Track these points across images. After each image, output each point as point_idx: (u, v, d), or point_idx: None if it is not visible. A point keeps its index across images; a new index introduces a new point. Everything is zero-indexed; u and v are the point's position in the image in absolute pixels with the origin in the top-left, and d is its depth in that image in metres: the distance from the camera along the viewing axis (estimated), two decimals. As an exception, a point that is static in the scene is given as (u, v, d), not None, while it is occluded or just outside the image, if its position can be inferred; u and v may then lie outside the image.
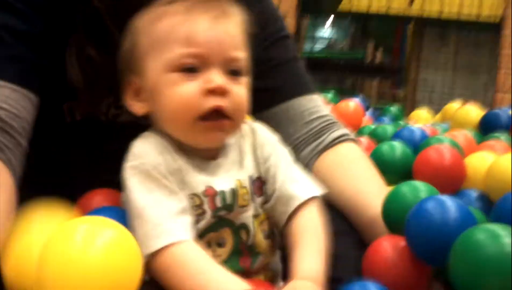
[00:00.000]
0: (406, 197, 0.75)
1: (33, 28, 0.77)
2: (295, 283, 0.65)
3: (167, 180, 0.65)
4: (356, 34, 6.70)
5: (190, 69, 0.66)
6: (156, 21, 0.68)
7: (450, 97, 4.01)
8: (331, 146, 0.93)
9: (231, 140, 0.74)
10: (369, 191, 0.86)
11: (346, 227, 0.84)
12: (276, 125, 0.93)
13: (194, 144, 0.69)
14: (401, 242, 0.70)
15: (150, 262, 0.61)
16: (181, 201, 0.65)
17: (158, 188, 0.65)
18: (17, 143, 0.72)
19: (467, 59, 4.08)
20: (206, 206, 0.68)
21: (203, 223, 0.68)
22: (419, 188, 0.76)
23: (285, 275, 0.74)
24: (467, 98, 3.94)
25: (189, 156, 0.69)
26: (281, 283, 0.76)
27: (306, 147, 0.94)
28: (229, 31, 0.68)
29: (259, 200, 0.73)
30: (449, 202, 0.66)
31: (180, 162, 0.68)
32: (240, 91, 0.68)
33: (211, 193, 0.68)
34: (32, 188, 0.75)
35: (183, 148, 0.69)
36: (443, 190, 0.95)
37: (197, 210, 0.67)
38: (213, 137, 0.68)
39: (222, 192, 0.69)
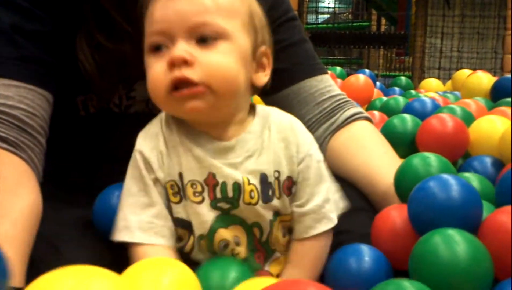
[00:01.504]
0: (417, 169, 0.75)
1: (42, 27, 0.78)
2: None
3: (146, 170, 0.68)
4: (358, 4, 6.64)
5: (158, 48, 0.66)
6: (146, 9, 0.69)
7: (459, 61, 3.98)
8: (344, 125, 0.94)
9: (254, 129, 0.70)
10: (383, 167, 0.87)
11: (362, 204, 0.85)
12: (288, 107, 0.93)
13: (182, 117, 0.68)
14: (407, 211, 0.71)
15: None
16: (150, 196, 0.67)
17: (136, 178, 0.68)
18: (36, 141, 0.74)
19: (474, 23, 4.02)
20: (206, 194, 0.67)
21: (205, 214, 0.67)
22: (430, 159, 0.77)
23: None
24: (475, 61, 3.91)
25: (198, 137, 0.68)
26: None
27: (319, 127, 0.95)
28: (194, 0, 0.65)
29: (287, 199, 0.71)
30: (452, 181, 0.66)
31: (180, 147, 0.68)
32: (209, 57, 0.64)
33: (211, 183, 0.67)
34: (50, 183, 0.76)
35: (192, 128, 0.69)
36: (447, 158, 0.96)
37: (198, 197, 0.67)
38: (192, 106, 0.64)
39: (224, 184, 0.67)
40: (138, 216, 0.67)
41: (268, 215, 0.69)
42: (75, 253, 0.69)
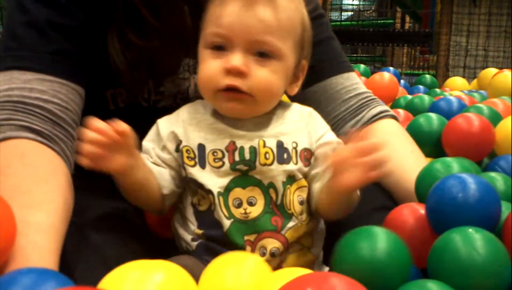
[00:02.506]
0: (438, 173, 0.76)
1: (75, 21, 0.79)
2: None
3: (152, 137, 0.77)
4: (383, 2, 6.59)
5: (218, 48, 0.72)
6: (211, 2, 0.74)
7: (484, 60, 3.93)
8: (371, 123, 0.94)
9: (276, 112, 0.77)
10: (409, 165, 0.87)
11: (388, 202, 0.85)
12: (314, 104, 0.94)
13: (219, 111, 0.75)
14: (419, 209, 0.72)
15: None
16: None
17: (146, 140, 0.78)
18: (69, 134, 0.76)
19: (501, 21, 3.96)
20: (226, 159, 0.73)
21: (224, 176, 0.72)
22: (451, 164, 0.77)
23: (326, 261, 0.77)
24: (502, 60, 3.85)
25: (220, 117, 0.76)
26: (326, 268, 0.78)
27: (345, 124, 0.95)
28: (260, 16, 0.70)
29: (304, 169, 0.75)
30: (470, 179, 0.66)
31: (207, 121, 0.75)
32: (261, 74, 0.71)
33: (231, 149, 0.73)
34: (80, 174, 0.78)
35: (216, 113, 0.76)
36: (472, 157, 0.96)
37: (218, 162, 0.73)
38: (232, 107, 0.72)
39: (241, 148, 0.73)
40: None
41: (281, 176, 0.73)
42: (103, 240, 0.71)
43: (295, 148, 0.75)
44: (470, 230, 0.60)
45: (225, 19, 0.71)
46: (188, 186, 0.75)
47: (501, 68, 1.84)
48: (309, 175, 0.76)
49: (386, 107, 0.97)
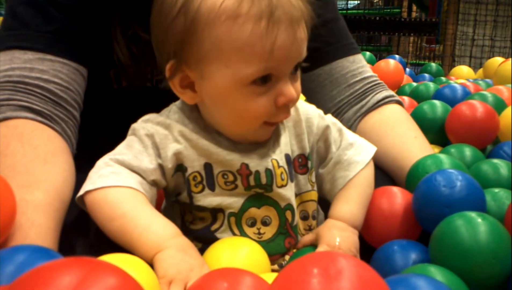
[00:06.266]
0: (428, 169, 0.76)
1: (76, 0, 0.78)
2: (328, 222, 0.69)
3: (153, 150, 0.65)
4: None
5: (262, 80, 0.61)
6: (230, 22, 0.58)
7: (491, 50, 3.90)
8: (375, 108, 0.93)
9: None
10: (413, 151, 0.86)
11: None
12: (318, 87, 0.93)
13: (241, 138, 0.68)
14: (398, 194, 0.74)
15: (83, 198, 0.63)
16: (145, 165, 0.64)
17: (138, 148, 0.65)
18: (70, 115, 0.75)
19: (508, 11, 3.92)
20: (239, 182, 0.67)
21: (236, 198, 0.67)
22: (443, 160, 0.77)
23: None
24: (508, 51, 3.82)
25: (218, 137, 0.68)
26: None
27: (350, 109, 0.95)
28: (301, 35, 0.61)
29: (302, 177, 0.72)
30: (456, 175, 0.67)
31: (204, 142, 0.66)
32: (298, 88, 0.65)
33: (244, 173, 0.67)
34: (83, 154, 0.78)
35: (211, 130, 0.68)
36: (476, 144, 0.97)
37: (230, 185, 0.67)
38: (267, 133, 0.67)
39: (257, 173, 0.67)
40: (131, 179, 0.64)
41: (293, 194, 0.71)
42: None
43: (288, 160, 0.71)
44: (473, 215, 0.59)
45: (277, 53, 0.59)
46: (177, 203, 0.70)
47: (507, 58, 1.83)
48: (318, 176, 0.75)
49: (391, 92, 0.97)
